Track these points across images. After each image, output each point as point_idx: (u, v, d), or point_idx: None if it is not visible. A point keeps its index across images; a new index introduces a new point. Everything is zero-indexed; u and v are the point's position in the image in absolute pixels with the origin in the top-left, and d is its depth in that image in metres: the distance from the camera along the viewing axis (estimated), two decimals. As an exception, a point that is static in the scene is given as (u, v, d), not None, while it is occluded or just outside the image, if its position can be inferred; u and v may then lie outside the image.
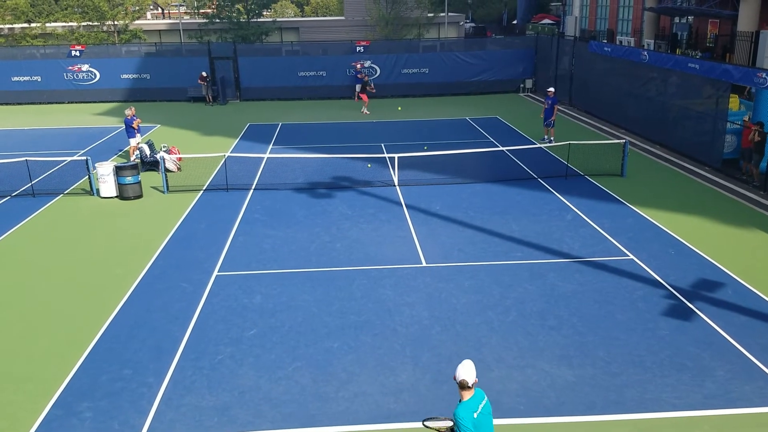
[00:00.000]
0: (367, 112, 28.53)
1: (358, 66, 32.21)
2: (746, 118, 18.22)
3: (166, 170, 17.93)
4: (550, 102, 21.91)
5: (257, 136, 24.80)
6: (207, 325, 10.44)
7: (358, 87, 31.03)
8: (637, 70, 23.36)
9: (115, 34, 44.25)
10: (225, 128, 26.23)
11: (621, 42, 39.80)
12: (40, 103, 32.88)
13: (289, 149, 22.21)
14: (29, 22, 44.49)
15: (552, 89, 22.46)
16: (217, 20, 45.31)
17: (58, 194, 17.48)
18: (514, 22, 62.83)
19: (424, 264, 12.67)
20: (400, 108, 19.04)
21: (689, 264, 12.45)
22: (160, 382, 8.93)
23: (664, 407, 8.23)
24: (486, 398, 6.04)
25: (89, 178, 17.66)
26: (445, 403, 8.38)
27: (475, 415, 5.86)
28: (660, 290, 11.40)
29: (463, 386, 5.87)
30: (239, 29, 44.62)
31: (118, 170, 16.90)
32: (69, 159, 19.49)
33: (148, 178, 18.57)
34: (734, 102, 19.35)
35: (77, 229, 14.99)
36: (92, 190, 17.50)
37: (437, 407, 8.31)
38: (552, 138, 22.12)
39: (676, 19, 36.74)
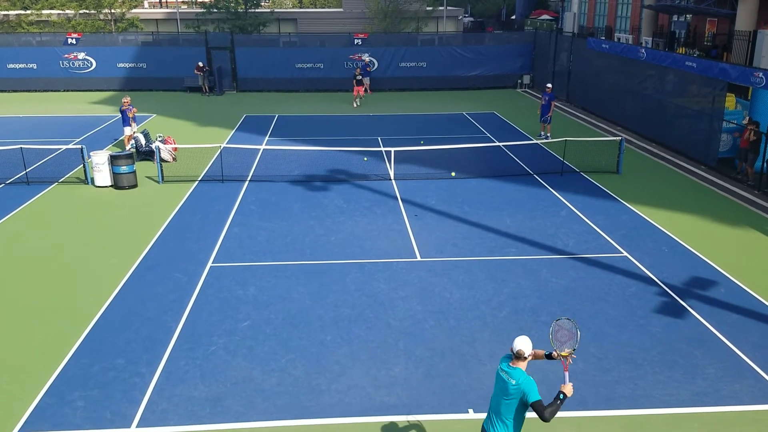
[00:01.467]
0: (357, 105, 28.64)
1: (367, 59, 32.04)
2: (745, 121, 18.23)
3: (162, 160, 17.88)
4: (547, 98, 21.92)
5: (253, 127, 24.73)
6: (200, 316, 10.44)
7: (367, 80, 30.59)
8: (635, 67, 23.37)
9: (112, 23, 43.97)
10: (221, 119, 26.16)
11: (619, 39, 39.78)
12: (36, 91, 32.73)
13: (285, 141, 22.17)
14: (25, 8, 44.16)
15: (550, 85, 22.46)
16: (215, 10, 45.02)
17: (52, 182, 17.41)
18: (513, 17, 62.75)
19: (419, 258, 12.68)
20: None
21: (682, 262, 12.50)
22: (152, 372, 8.93)
23: (655, 404, 8.28)
24: (518, 382, 6.02)
25: (84, 166, 17.60)
26: (437, 397, 8.41)
27: (500, 372, 6.16)
28: (653, 287, 11.44)
29: (517, 356, 6.12)
30: (237, 19, 44.33)
31: (113, 159, 16.84)
32: (64, 147, 19.43)
33: (143, 168, 18.52)
34: (731, 101, 19.38)
35: (71, 218, 14.94)
36: (87, 179, 17.44)
37: (429, 401, 8.35)
38: (548, 134, 22.13)
39: (675, 17, 36.75)
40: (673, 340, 9.75)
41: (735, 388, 8.60)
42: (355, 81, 28.75)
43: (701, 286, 11.46)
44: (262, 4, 51.11)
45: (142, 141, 19.70)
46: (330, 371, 8.98)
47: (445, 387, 8.65)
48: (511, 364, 6.14)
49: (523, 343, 6.10)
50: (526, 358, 6.10)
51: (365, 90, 29.99)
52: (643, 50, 23.25)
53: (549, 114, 21.97)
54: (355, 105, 28.90)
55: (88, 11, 43.29)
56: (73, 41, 32.64)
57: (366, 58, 32.09)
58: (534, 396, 6.00)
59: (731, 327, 10.09)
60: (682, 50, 32.43)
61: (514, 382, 6.04)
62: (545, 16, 57.59)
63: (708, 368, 9.03)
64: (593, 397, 8.41)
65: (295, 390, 8.58)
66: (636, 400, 8.36)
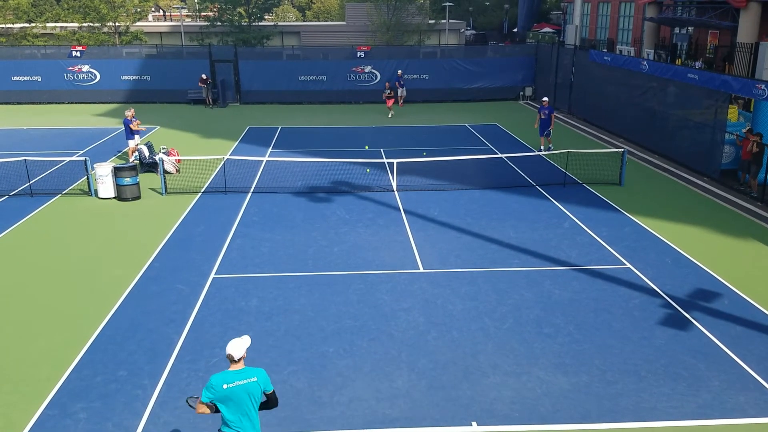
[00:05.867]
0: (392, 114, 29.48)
1: (399, 72, 32.46)
2: (746, 130, 18.26)
3: (165, 172, 17.93)
4: (546, 112, 21.70)
5: (257, 139, 24.81)
6: (203, 328, 10.43)
7: (401, 91, 31.93)
8: (637, 79, 23.43)
9: (116, 36, 44.29)
10: (224, 131, 26.25)
11: (621, 51, 39.94)
12: (40, 103, 32.89)
13: (288, 153, 22.22)
14: (30, 21, 44.52)
15: (546, 99, 22.15)
16: (219, 23, 45.41)
17: (56, 194, 17.46)
18: (515, 30, 63.05)
19: (421, 269, 12.67)
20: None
21: (686, 273, 12.46)
22: (155, 384, 8.91)
23: (659, 416, 8.23)
24: (257, 378, 6.20)
25: (88, 178, 17.65)
26: (440, 409, 8.38)
27: (226, 386, 6.12)
28: (656, 299, 11.41)
29: (231, 360, 6.21)
30: (240, 32, 44.69)
31: (117, 171, 16.90)
32: (68, 159, 19.50)
33: (146, 180, 18.57)
34: (733, 113, 19.39)
35: (75, 230, 14.97)
36: (90, 191, 17.49)
37: (432, 413, 8.31)
38: (551, 145, 22.03)
39: (676, 30, 36.90)
40: (676, 352, 9.71)
41: (740, 400, 8.55)
42: (386, 95, 29.61)
43: (705, 298, 11.43)
44: (266, 17, 51.43)
45: (146, 153, 19.77)
46: (332, 383, 8.95)
47: (448, 399, 8.61)
48: (232, 368, 6.22)
49: (237, 347, 6.20)
50: (237, 360, 6.21)
51: (397, 101, 31.76)
52: (645, 62, 23.32)
53: (550, 128, 21.82)
54: (390, 116, 29.54)
55: (92, 24, 43.63)
56: (78, 54, 32.84)
57: (399, 71, 32.44)
58: (270, 385, 6.30)
59: (735, 339, 10.05)
60: (678, 61, 32.54)
61: (255, 379, 6.20)
62: (547, 29, 57.84)
63: (712, 380, 8.98)
64: (597, 410, 8.37)
65: (297, 402, 8.55)
66: (640, 412, 8.31)
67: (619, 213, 16.00)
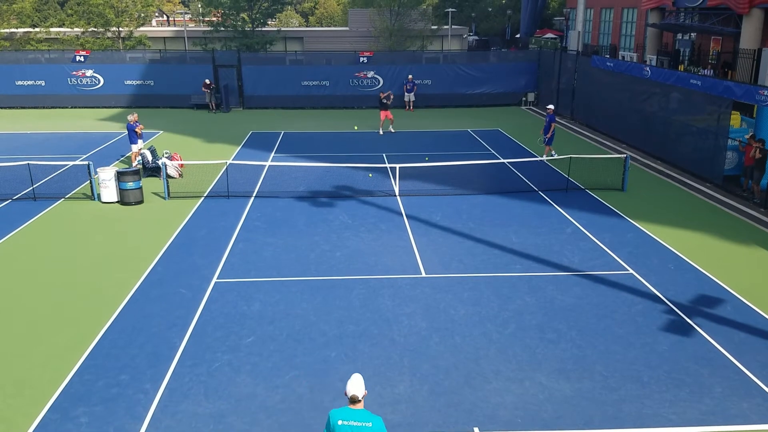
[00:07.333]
0: (387, 131, 26.81)
1: (410, 77, 32.47)
2: (749, 136, 18.24)
3: (168, 176, 17.96)
4: (547, 119, 21.54)
5: (259, 144, 24.85)
6: (205, 332, 10.43)
7: (409, 96, 32.07)
8: (639, 85, 23.44)
9: (120, 41, 44.42)
10: (227, 136, 26.30)
11: (623, 57, 39.95)
12: (44, 108, 32.99)
13: (290, 157, 22.25)
14: (34, 26, 44.70)
15: (551, 106, 21.90)
16: (222, 28, 45.49)
17: (59, 198, 17.50)
18: (517, 36, 63.13)
19: (424, 274, 12.66)
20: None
21: (689, 279, 12.44)
22: (156, 389, 8.90)
23: (662, 423, 8.20)
24: (372, 425, 5.89)
25: (91, 182, 17.68)
26: (442, 415, 8.36)
27: (340, 423, 5.92)
28: (659, 305, 11.38)
29: (352, 401, 5.98)
30: (244, 38, 44.78)
31: (120, 175, 16.93)
32: (71, 163, 19.54)
33: (149, 184, 18.60)
34: (736, 119, 19.38)
35: (77, 234, 14.99)
36: (93, 195, 17.52)
37: (434, 419, 8.29)
38: (544, 156, 21.55)
39: (679, 36, 36.89)
40: (679, 358, 9.68)
41: (743, 407, 8.52)
42: (380, 105, 26.32)
43: (708, 304, 11.40)
44: (269, 22, 51.57)
45: (149, 157, 19.81)
46: (334, 388, 8.94)
47: (450, 405, 8.60)
48: (351, 407, 5.97)
49: (356, 386, 5.98)
50: (359, 401, 5.97)
51: (409, 107, 31.82)
52: (648, 68, 23.32)
53: (548, 135, 21.66)
54: (382, 132, 26.44)
55: (96, 29, 43.76)
56: (81, 59, 32.94)
57: (410, 76, 32.52)
58: None
59: (738, 345, 10.02)
60: (681, 67, 32.51)
61: (370, 425, 5.89)
62: (550, 35, 57.95)
63: (715, 387, 8.96)
64: (599, 416, 8.34)
65: (299, 407, 8.54)
66: (643, 419, 8.29)
67: (621, 219, 15.98)
